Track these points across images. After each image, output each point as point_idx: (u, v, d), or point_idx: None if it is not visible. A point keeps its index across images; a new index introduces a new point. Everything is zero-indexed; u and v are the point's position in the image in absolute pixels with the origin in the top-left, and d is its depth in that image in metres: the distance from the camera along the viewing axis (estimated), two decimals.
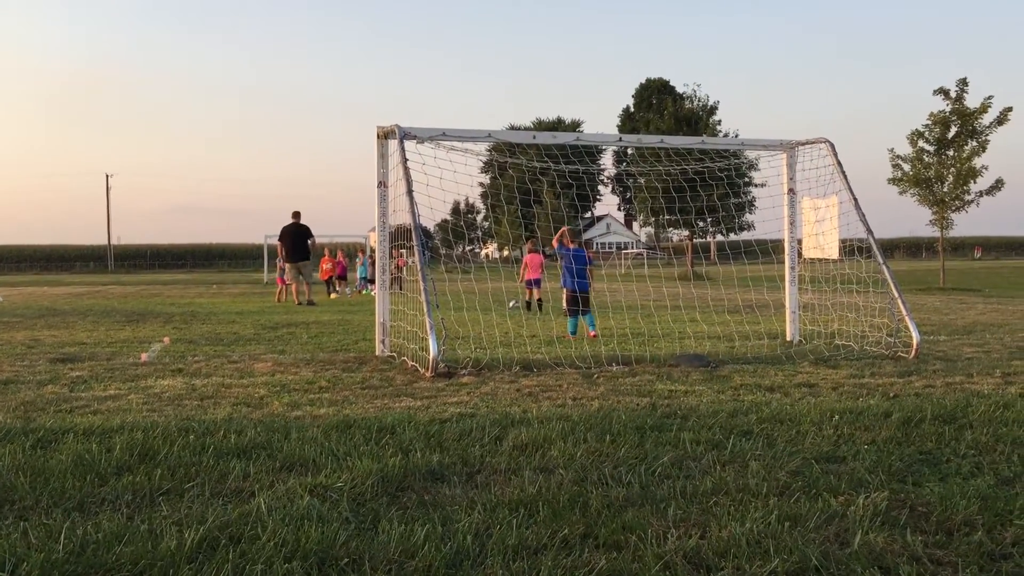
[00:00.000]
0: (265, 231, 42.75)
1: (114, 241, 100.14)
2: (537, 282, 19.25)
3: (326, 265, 29.31)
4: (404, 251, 12.78)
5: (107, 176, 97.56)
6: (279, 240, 22.81)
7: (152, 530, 3.96)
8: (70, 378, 8.83)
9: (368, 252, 31.93)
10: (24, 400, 7.52)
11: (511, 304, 18.08)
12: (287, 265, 22.87)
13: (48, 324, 15.88)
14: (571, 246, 13.49)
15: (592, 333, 12.85)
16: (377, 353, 10.94)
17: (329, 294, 27.24)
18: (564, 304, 13.23)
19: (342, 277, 29.91)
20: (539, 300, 19.08)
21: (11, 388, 8.19)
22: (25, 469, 4.95)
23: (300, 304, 21.82)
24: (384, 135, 11.01)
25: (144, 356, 10.61)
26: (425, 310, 9.35)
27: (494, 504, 4.39)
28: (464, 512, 4.25)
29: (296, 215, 22.30)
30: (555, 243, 13.58)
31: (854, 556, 3.65)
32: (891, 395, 7.66)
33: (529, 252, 19.25)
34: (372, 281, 28.01)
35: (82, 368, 9.60)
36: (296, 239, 22.00)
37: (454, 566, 3.58)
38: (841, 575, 3.48)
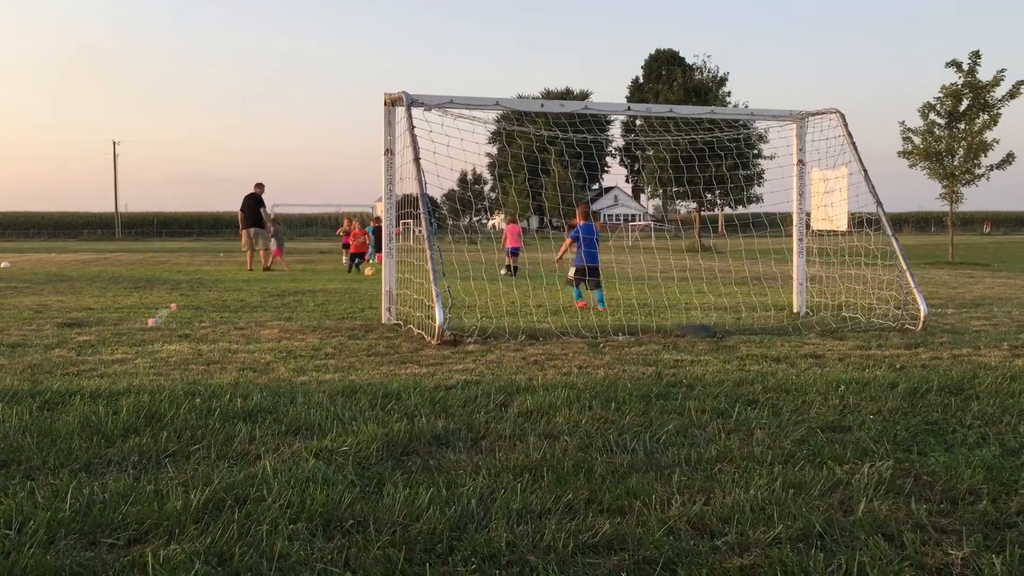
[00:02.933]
0: (272, 200, 42.84)
1: (121, 209, 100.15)
2: (515, 250, 20.69)
3: (360, 239, 28.77)
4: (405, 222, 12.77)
5: (114, 144, 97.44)
6: (240, 210, 23.88)
7: (158, 490, 3.98)
8: (77, 342, 8.86)
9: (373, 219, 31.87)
10: (31, 363, 7.54)
11: (503, 272, 18.95)
12: (243, 232, 23.80)
13: (55, 290, 15.92)
14: (581, 222, 13.34)
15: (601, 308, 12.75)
16: (383, 321, 10.94)
17: (362, 270, 25.98)
18: (571, 275, 13.16)
19: (347, 246, 29.79)
20: (515, 267, 20.43)
21: (18, 351, 8.22)
22: (32, 430, 4.97)
23: (267, 270, 22.87)
24: (391, 102, 10.94)
25: (151, 321, 10.63)
26: (431, 278, 9.34)
27: (499, 469, 4.40)
28: (469, 476, 4.26)
29: (257, 186, 23.48)
30: (579, 220, 13.35)
31: (858, 523, 3.66)
32: (898, 366, 7.65)
33: (508, 223, 20.73)
34: (378, 250, 27.90)
35: (89, 333, 9.63)
36: (249, 207, 23.19)
37: (458, 529, 3.59)
38: (844, 542, 3.48)
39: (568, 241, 13.66)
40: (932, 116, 32.56)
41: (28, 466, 4.38)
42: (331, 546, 3.39)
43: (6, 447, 4.67)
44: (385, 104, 10.99)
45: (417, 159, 9.89)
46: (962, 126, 32.23)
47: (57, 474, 4.24)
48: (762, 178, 47.39)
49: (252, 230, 23.22)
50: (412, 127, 10.11)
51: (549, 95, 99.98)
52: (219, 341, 9.07)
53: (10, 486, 4.05)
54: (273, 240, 25.91)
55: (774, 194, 12.80)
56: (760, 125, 14.95)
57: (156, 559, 3.19)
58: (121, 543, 3.42)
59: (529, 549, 3.39)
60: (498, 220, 77.04)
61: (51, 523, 3.54)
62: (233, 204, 24.78)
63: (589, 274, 12.88)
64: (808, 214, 12.62)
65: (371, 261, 28.45)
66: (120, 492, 3.92)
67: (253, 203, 23.19)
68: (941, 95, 32.32)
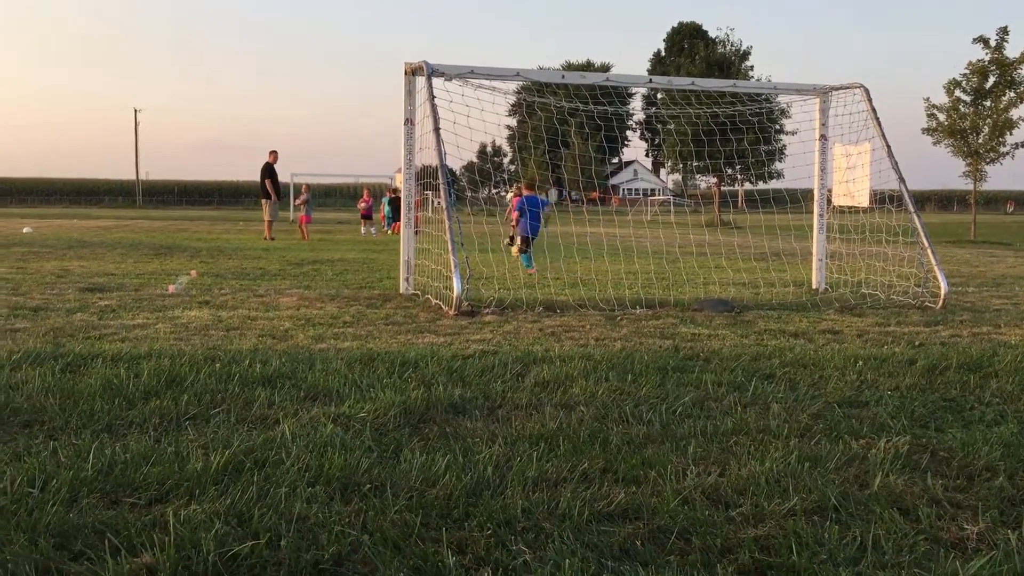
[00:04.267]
0: (293, 169, 42.80)
1: (142, 176, 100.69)
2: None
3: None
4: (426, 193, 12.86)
5: (135, 111, 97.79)
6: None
7: (179, 452, 4.04)
8: (99, 307, 8.94)
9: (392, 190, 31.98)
10: (54, 326, 7.62)
11: (506, 242, 19.47)
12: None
13: (77, 255, 16.04)
14: (526, 194, 14.33)
15: (529, 271, 13.70)
16: (401, 291, 10.98)
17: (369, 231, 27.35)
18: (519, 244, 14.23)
19: (368, 216, 29.90)
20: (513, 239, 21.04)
21: (41, 315, 8.31)
22: (55, 391, 5.04)
23: (271, 239, 22.77)
24: (412, 72, 10.91)
25: (171, 288, 10.71)
26: (450, 249, 9.35)
27: (515, 437, 4.42)
28: (485, 444, 4.29)
29: (271, 154, 23.23)
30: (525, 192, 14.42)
31: (873, 497, 3.66)
32: (916, 343, 7.61)
33: (514, 196, 21.57)
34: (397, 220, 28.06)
35: (111, 298, 9.72)
36: (261, 178, 23.22)
37: (474, 495, 3.62)
38: (859, 515, 3.49)
39: (515, 213, 14.52)
40: (958, 93, 32.16)
41: (51, 426, 4.45)
42: (349, 509, 3.43)
43: (29, 408, 4.74)
44: (406, 74, 10.96)
45: (437, 129, 9.88)
46: (988, 103, 31.82)
47: (79, 435, 4.30)
48: (783, 153, 47.07)
49: (264, 202, 23.41)
50: (432, 97, 10.08)
51: (570, 68, 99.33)
52: (238, 308, 9.13)
53: (33, 446, 4.11)
54: (303, 207, 26.11)
55: (795, 169, 12.74)
56: (782, 99, 14.84)
57: (177, 518, 3.24)
58: (142, 502, 3.47)
59: (544, 516, 3.42)
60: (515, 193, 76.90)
61: (74, 482, 3.60)
62: (254, 173, 24.68)
63: (526, 244, 13.90)
64: (829, 190, 12.53)
65: (386, 229, 28.60)
66: (141, 453, 3.97)
67: (261, 173, 23.29)
68: (967, 71, 31.90)
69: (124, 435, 4.33)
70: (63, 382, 5.29)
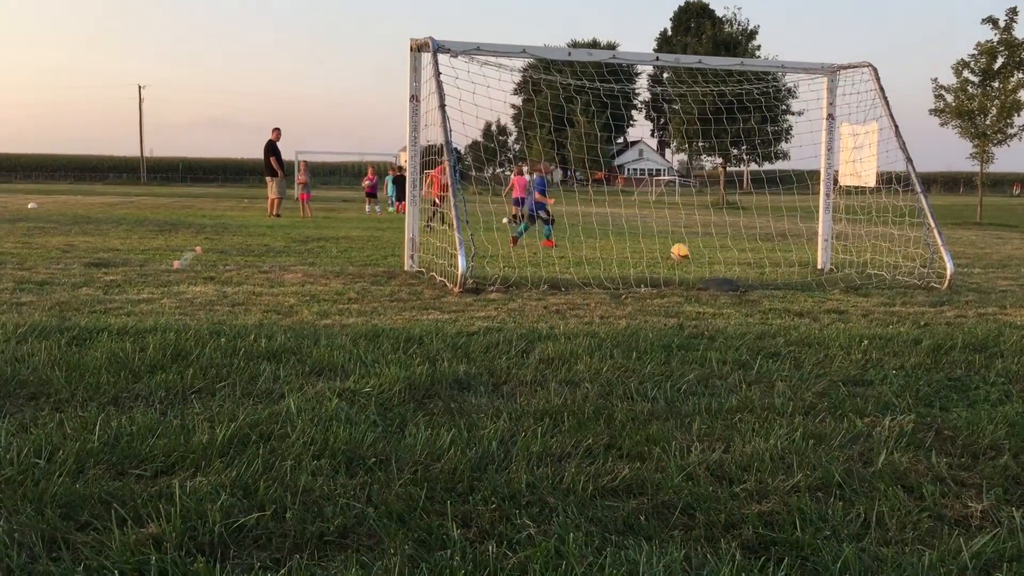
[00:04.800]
0: (297, 147, 42.53)
1: (147, 153, 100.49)
2: (521, 200, 21.91)
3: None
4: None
5: (140, 88, 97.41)
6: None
7: (184, 425, 4.05)
8: (104, 282, 8.96)
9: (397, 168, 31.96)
10: (59, 300, 7.64)
11: (504, 221, 20.02)
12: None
13: (82, 231, 16.05)
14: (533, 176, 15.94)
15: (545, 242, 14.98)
16: (406, 268, 10.97)
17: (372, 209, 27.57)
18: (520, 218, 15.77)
19: (372, 195, 29.87)
20: (515, 217, 21.61)
21: (47, 289, 8.32)
22: (61, 364, 5.05)
23: (277, 215, 22.80)
24: (417, 48, 10.85)
25: (176, 263, 10.72)
26: (455, 226, 9.34)
27: (519, 413, 4.43)
28: (490, 420, 4.29)
29: (273, 131, 23.12)
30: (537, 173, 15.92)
31: (877, 475, 3.66)
32: (922, 323, 7.60)
33: (515, 175, 21.96)
34: (401, 199, 28.08)
35: (116, 273, 9.73)
36: (264, 153, 23.13)
37: (479, 469, 3.63)
38: (863, 492, 3.49)
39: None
40: (966, 73, 31.96)
41: (57, 399, 4.46)
42: (354, 482, 3.44)
43: (36, 380, 4.75)
44: (411, 50, 10.90)
45: (442, 106, 9.83)
46: (996, 84, 31.63)
47: (86, 407, 4.31)
48: (790, 133, 46.82)
49: (268, 178, 23.34)
50: (438, 73, 10.04)
51: (576, 46, 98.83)
52: (243, 284, 9.13)
53: (40, 417, 4.13)
54: (302, 186, 26.07)
55: (802, 148, 12.70)
56: (790, 79, 14.72)
57: (183, 490, 3.25)
58: (148, 474, 3.48)
59: (548, 491, 3.42)
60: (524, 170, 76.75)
61: (80, 453, 3.61)
62: (258, 151, 24.59)
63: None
64: (836, 170, 12.48)
65: (389, 208, 28.66)
66: (147, 425, 3.98)
67: (265, 151, 23.21)
68: (976, 52, 31.69)
69: (130, 408, 4.34)
70: (69, 355, 5.30)
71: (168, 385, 4.74)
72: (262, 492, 3.28)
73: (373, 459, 3.69)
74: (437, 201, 18.48)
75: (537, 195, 15.98)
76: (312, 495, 3.30)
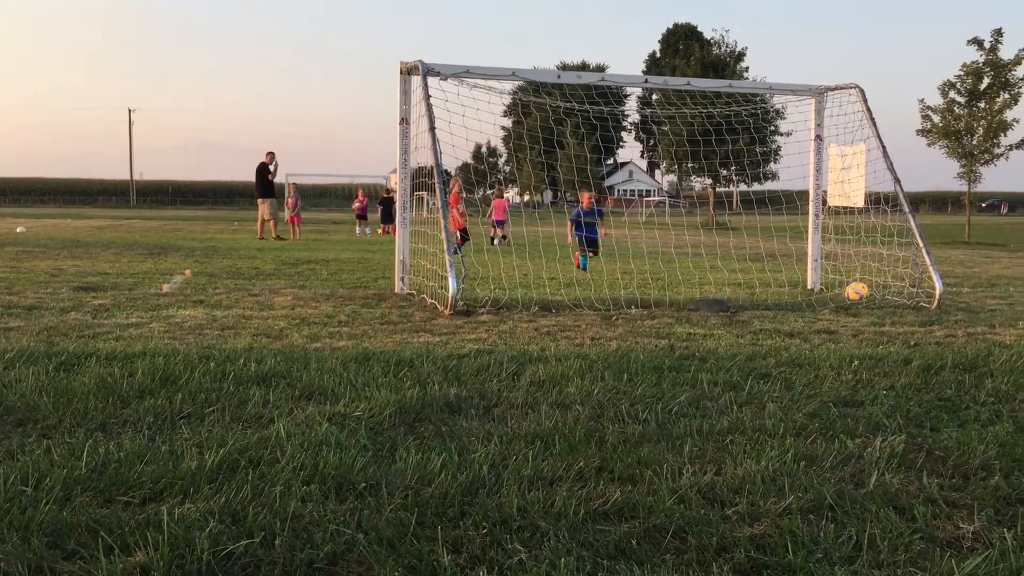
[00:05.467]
0: (287, 170, 42.63)
1: (136, 176, 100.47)
2: (501, 222, 22.67)
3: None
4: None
5: (130, 111, 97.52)
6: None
7: (173, 451, 4.02)
8: (93, 306, 8.91)
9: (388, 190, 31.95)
10: (47, 325, 7.60)
11: (494, 243, 21.01)
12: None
13: (71, 255, 16.00)
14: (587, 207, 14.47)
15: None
16: (396, 291, 10.96)
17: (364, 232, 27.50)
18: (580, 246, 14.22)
19: (363, 217, 29.87)
20: (503, 236, 22.17)
21: (35, 314, 8.27)
22: (48, 390, 5.02)
23: (263, 239, 22.80)
24: (407, 71, 10.89)
25: (166, 287, 10.68)
26: (445, 248, 9.33)
27: (510, 436, 4.41)
28: (481, 443, 4.28)
29: (267, 155, 23.27)
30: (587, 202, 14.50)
31: (869, 496, 3.66)
32: (912, 343, 7.62)
33: (495, 198, 22.88)
34: (386, 222, 28.13)
35: (104, 297, 9.69)
36: (256, 175, 23.29)
37: (470, 494, 3.61)
38: (855, 514, 3.49)
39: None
40: (952, 94, 32.24)
41: (44, 425, 4.42)
42: (344, 508, 3.42)
43: (23, 406, 4.71)
44: (401, 73, 10.94)
45: (432, 128, 9.85)
46: (982, 105, 31.90)
47: (73, 433, 4.28)
48: (779, 154, 47.08)
49: (260, 200, 23.35)
50: (428, 96, 10.06)
51: (565, 68, 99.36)
52: (233, 307, 9.10)
53: (27, 444, 4.09)
54: (292, 208, 26.10)
55: (791, 169, 12.74)
56: (778, 100, 14.84)
57: (171, 517, 3.22)
58: (136, 501, 3.45)
59: (540, 515, 3.41)
60: (511, 194, 76.94)
61: (67, 480, 3.58)
62: (248, 174, 24.80)
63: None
64: (824, 191, 12.54)
65: (377, 231, 28.74)
66: (135, 452, 3.95)
67: (256, 173, 23.28)
68: (962, 73, 31.97)
69: (118, 433, 4.31)
70: (57, 380, 5.26)
71: (157, 410, 4.71)
72: (251, 519, 3.25)
73: (363, 484, 3.67)
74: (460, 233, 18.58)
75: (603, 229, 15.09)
76: (301, 521, 3.28)
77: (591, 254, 14.29)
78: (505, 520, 3.35)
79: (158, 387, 5.20)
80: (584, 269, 14.04)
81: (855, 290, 10.59)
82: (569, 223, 14.63)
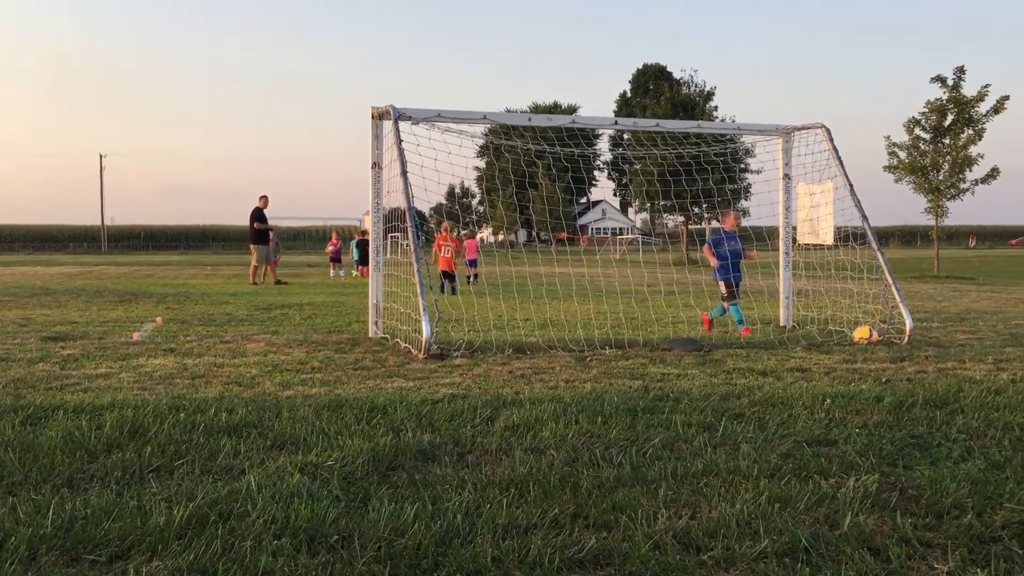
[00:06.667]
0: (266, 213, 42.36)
1: (108, 222, 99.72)
2: (474, 262, 23.18)
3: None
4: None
5: (101, 156, 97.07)
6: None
7: (141, 506, 3.95)
8: (61, 356, 8.80)
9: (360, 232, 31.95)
10: (15, 377, 7.49)
11: (469, 281, 21.66)
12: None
13: (40, 303, 15.82)
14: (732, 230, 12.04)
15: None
16: (370, 335, 10.91)
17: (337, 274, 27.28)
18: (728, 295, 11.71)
19: (337, 260, 29.84)
20: (475, 275, 22.67)
21: (2, 366, 8.15)
22: (15, 445, 4.93)
23: (255, 284, 22.76)
24: (379, 115, 10.95)
25: (136, 335, 10.58)
26: (419, 292, 9.32)
27: (485, 483, 4.38)
28: (454, 491, 4.24)
29: (260, 199, 23.29)
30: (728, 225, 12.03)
31: (844, 537, 3.66)
32: (883, 380, 7.67)
33: (467, 239, 23.20)
34: (362, 263, 28.06)
35: (74, 347, 9.57)
36: (250, 222, 23.17)
37: (444, 544, 3.57)
38: (830, 556, 3.48)
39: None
40: (917, 131, 32.82)
41: (10, 482, 4.34)
42: (315, 562, 3.37)
43: None
44: (373, 117, 11.00)
45: (404, 172, 9.88)
46: (947, 141, 32.48)
47: (39, 490, 4.20)
48: (749, 192, 47.50)
49: (252, 246, 23.24)
50: (399, 140, 10.11)
51: (537, 109, 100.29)
52: (204, 355, 9.02)
53: None
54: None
55: (760, 207, 12.87)
56: (747, 139, 15.02)
57: (139, 575, 3.16)
58: (103, 559, 3.39)
59: (515, 564, 3.37)
60: (486, 234, 77.10)
61: (32, 539, 3.50)
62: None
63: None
64: (794, 228, 12.68)
65: (352, 273, 28.71)
66: (103, 508, 3.88)
67: (251, 218, 23.11)
68: (926, 110, 32.57)
69: (85, 489, 4.24)
70: (23, 435, 5.18)
71: (125, 464, 4.64)
72: (220, 575, 3.20)
73: (336, 536, 3.62)
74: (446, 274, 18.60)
75: (747, 252, 12.03)
76: None
77: (740, 301, 11.70)
78: (479, 571, 3.31)
79: (127, 440, 5.13)
80: (742, 324, 11.41)
81: (862, 336, 10.54)
82: (707, 248, 11.85)
